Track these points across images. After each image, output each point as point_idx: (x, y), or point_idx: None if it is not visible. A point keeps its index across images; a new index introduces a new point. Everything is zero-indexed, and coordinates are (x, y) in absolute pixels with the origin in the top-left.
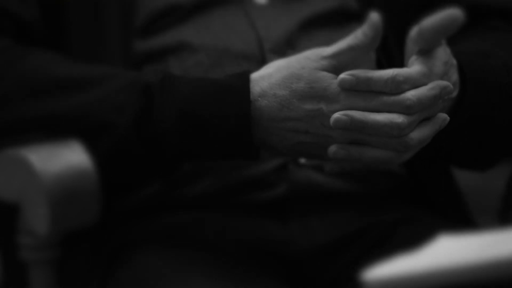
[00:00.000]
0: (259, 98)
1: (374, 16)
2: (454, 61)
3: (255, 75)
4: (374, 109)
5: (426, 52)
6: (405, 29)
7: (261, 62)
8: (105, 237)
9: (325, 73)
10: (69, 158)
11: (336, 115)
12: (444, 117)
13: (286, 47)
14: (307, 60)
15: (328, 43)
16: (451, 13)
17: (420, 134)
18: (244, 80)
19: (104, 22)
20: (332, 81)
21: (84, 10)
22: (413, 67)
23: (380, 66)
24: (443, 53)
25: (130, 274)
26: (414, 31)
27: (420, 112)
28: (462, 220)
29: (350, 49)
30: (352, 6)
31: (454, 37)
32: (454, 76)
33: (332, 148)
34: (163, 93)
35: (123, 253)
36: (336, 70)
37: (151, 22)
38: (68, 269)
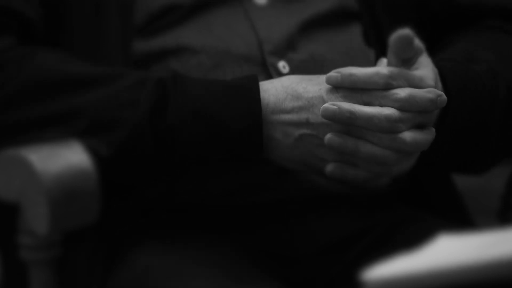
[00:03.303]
0: (265, 87)
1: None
2: (436, 70)
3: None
4: (367, 101)
5: (408, 62)
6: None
7: (261, 64)
8: (105, 237)
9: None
10: (69, 158)
11: (325, 105)
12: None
13: (287, 49)
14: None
15: (328, 44)
16: (399, 35)
17: (416, 135)
18: (253, 81)
19: (104, 22)
20: None
21: (84, 9)
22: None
23: None
24: (427, 60)
25: (130, 274)
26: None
27: (415, 113)
28: (461, 220)
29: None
30: (352, 6)
31: (449, 38)
32: (439, 83)
33: (328, 136)
34: (176, 87)
35: (123, 253)
36: None
37: (151, 22)
38: (68, 269)
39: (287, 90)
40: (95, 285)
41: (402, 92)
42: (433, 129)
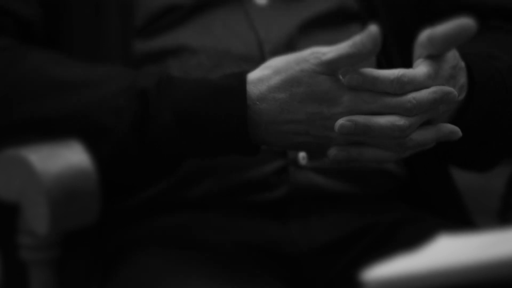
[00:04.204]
0: (258, 102)
1: (373, 28)
2: (463, 64)
3: (252, 77)
4: (375, 110)
5: (433, 57)
6: (404, 29)
7: (261, 64)
8: (105, 238)
9: (325, 77)
10: (69, 158)
11: (341, 121)
12: (452, 129)
13: (286, 49)
14: (306, 63)
15: (328, 44)
16: (463, 23)
17: (421, 137)
18: (241, 82)
19: (104, 22)
20: (333, 84)
21: (84, 9)
22: (419, 68)
23: (380, 66)
24: (452, 57)
25: (130, 275)
26: (424, 36)
27: (420, 114)
28: (461, 220)
29: (349, 57)
30: (352, 7)
31: None
32: (462, 79)
33: (333, 151)
34: (159, 97)
35: (123, 253)
36: (335, 72)
37: (151, 23)
38: (68, 270)
39: (281, 105)
40: (95, 286)
41: (413, 101)
42: (447, 128)
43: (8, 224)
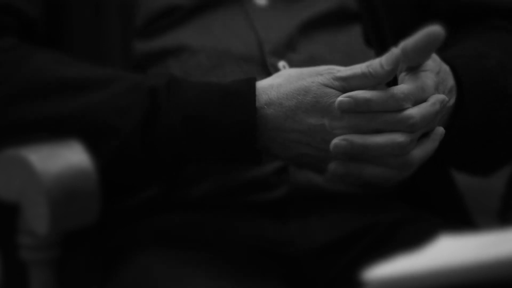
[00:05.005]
0: (265, 106)
1: (395, 51)
2: (447, 68)
3: (264, 83)
4: (377, 128)
5: (414, 68)
6: (404, 29)
7: (261, 64)
8: (105, 238)
9: (332, 90)
10: (69, 158)
11: (336, 140)
12: (441, 131)
13: (286, 49)
14: (319, 76)
15: (328, 45)
16: (431, 31)
17: (421, 151)
18: (250, 87)
19: (104, 22)
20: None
21: (84, 9)
22: (408, 83)
23: None
24: (432, 64)
25: (130, 275)
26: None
27: (421, 129)
28: (462, 220)
29: (364, 76)
30: (352, 7)
31: (453, 37)
32: (450, 82)
33: (332, 165)
34: (169, 97)
35: (123, 253)
36: (346, 91)
37: (151, 23)
38: (68, 270)
39: (287, 112)
40: (95, 286)
41: (415, 116)
42: (438, 132)
43: (8, 224)
